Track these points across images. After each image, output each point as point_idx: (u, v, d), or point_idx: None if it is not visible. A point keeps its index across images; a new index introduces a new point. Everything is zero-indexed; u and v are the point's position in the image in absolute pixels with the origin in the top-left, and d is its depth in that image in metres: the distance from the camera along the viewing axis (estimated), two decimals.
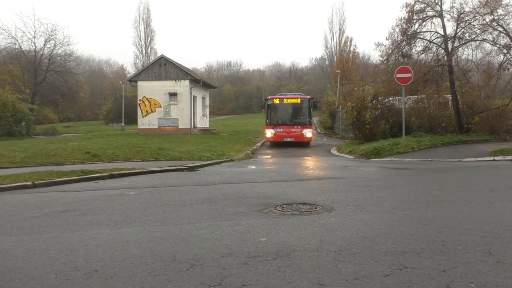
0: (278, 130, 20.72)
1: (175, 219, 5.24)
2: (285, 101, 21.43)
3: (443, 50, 18.16)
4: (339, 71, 46.39)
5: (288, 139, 20.49)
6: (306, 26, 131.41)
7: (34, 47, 44.55)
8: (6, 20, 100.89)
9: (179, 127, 28.13)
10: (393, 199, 6.32)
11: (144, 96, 28.64)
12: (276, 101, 21.35)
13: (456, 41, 18.20)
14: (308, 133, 20.64)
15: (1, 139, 26.44)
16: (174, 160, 13.52)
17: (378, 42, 22.27)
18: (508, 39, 17.16)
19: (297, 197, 6.65)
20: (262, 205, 5.89)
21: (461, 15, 17.71)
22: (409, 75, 15.23)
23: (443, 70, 18.30)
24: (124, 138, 21.65)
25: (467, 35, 17.99)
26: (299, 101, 21.31)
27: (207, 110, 35.47)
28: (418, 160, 12.94)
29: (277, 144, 21.21)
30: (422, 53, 18.87)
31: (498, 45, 17.48)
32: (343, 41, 61.23)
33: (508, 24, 17.16)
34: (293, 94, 24.80)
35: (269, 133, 21.04)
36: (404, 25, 18.79)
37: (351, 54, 55.49)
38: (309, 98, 21.54)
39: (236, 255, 3.61)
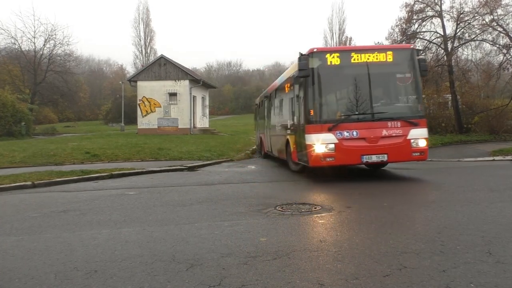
0: (345, 134, 8.14)
1: (175, 219, 5.24)
2: (356, 58, 8.47)
3: (442, 50, 18.20)
4: None
5: (375, 158, 8.24)
6: (306, 26, 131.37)
7: (33, 47, 44.63)
8: (6, 20, 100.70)
9: (179, 127, 28.12)
10: (392, 199, 6.32)
11: (143, 96, 28.64)
12: (333, 60, 8.39)
13: (456, 41, 18.24)
14: (420, 139, 8.35)
15: (0, 139, 26.42)
16: (174, 160, 13.51)
17: (378, 42, 22.08)
18: (508, 39, 17.19)
19: (297, 197, 6.65)
20: (262, 205, 5.89)
21: (461, 15, 17.75)
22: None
23: (443, 70, 18.34)
24: (123, 138, 21.62)
25: (466, 35, 18.03)
26: (390, 58, 8.54)
27: (207, 110, 35.46)
28: None
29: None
30: (422, 53, 18.91)
31: (497, 45, 17.54)
32: (343, 41, 61.24)
33: (507, 24, 17.22)
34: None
35: (320, 144, 8.15)
36: (404, 25, 18.83)
37: None
38: (412, 48, 9.00)
39: (236, 255, 3.61)
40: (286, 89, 10.68)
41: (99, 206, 6.25)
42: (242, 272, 3.19)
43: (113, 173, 10.07)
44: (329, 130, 8.08)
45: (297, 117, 9.11)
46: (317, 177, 9.14)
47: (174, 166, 11.84)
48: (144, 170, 10.83)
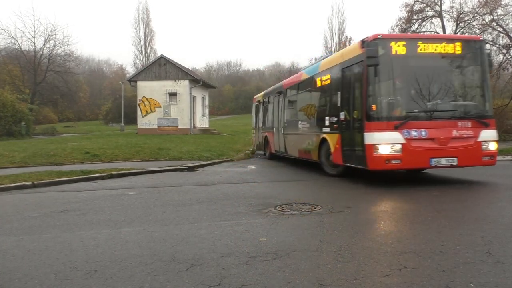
0: (413, 134, 7.22)
1: (175, 219, 5.24)
2: (423, 48, 7.56)
3: None
4: None
5: (444, 161, 7.37)
6: (306, 26, 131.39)
7: (33, 47, 44.78)
8: (6, 20, 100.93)
9: (179, 127, 28.16)
10: (392, 199, 6.32)
11: (143, 96, 28.67)
12: (399, 49, 7.39)
13: None
14: (491, 141, 7.70)
15: (0, 139, 26.43)
16: (174, 160, 13.52)
17: None
18: (508, 39, 17.21)
19: (297, 197, 6.65)
20: (262, 205, 5.89)
21: (461, 15, 17.79)
22: None
23: None
24: (123, 138, 21.64)
25: (466, 35, 18.02)
26: (458, 50, 7.73)
27: (207, 110, 35.49)
28: None
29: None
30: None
31: (497, 45, 17.56)
32: (342, 41, 61.29)
33: (507, 24, 17.26)
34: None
35: (385, 145, 7.22)
36: (404, 25, 18.86)
37: None
38: (482, 40, 8.52)
39: (236, 255, 3.61)
40: (321, 82, 9.77)
41: (99, 206, 6.25)
42: (242, 272, 3.19)
43: (113, 173, 10.08)
44: (395, 128, 7.16)
45: (345, 113, 8.22)
46: (318, 177, 9.14)
47: (174, 166, 11.85)
48: (144, 170, 10.83)
